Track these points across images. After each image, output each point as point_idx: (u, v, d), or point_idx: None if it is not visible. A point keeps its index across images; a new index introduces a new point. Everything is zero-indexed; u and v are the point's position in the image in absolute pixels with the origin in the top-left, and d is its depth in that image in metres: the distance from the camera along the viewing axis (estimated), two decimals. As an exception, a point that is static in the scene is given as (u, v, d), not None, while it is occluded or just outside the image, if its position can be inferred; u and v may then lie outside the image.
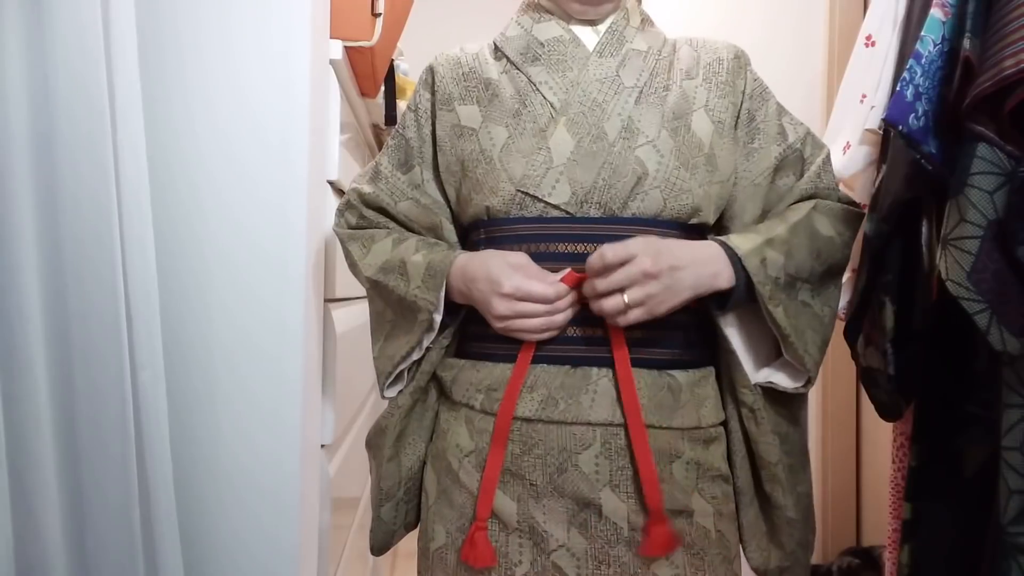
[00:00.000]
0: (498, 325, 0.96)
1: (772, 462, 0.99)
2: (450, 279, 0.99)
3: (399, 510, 1.09)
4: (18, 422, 0.80)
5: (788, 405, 1.03)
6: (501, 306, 0.93)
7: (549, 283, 0.93)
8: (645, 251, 0.89)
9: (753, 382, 0.99)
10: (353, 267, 1.10)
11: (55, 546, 0.83)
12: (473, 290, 0.96)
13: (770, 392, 1.01)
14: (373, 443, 1.08)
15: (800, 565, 1.04)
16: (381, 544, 1.10)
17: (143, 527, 0.92)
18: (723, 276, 0.93)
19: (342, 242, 1.11)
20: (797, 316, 0.97)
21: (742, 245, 0.95)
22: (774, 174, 1.05)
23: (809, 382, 0.99)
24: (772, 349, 1.01)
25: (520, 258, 0.96)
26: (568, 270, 0.95)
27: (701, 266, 0.93)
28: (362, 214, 1.11)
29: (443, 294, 0.99)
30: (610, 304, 0.90)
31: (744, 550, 1.04)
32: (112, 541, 0.89)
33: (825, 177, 1.06)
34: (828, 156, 1.08)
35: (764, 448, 0.99)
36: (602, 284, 0.90)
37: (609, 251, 0.89)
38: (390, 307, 1.06)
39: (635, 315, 0.90)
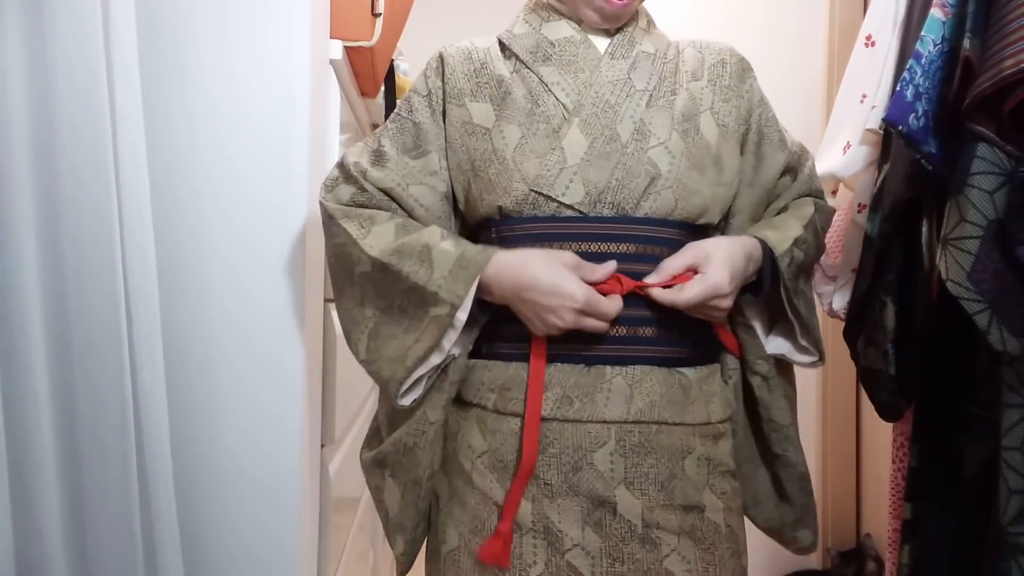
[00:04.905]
0: (544, 330, 0.94)
1: (786, 424, 1.07)
2: (489, 276, 0.94)
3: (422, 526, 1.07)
4: (18, 422, 0.80)
5: (788, 372, 1.12)
6: (570, 318, 0.92)
7: (612, 301, 0.93)
8: (722, 275, 0.95)
9: (768, 352, 1.06)
10: (342, 246, 1.00)
11: (55, 546, 0.83)
12: (528, 298, 0.92)
13: (775, 361, 1.08)
14: (393, 462, 1.03)
15: (811, 514, 1.12)
16: (412, 561, 1.08)
17: (143, 527, 0.92)
18: (756, 268, 1.01)
19: (332, 217, 1.01)
20: (807, 304, 1.06)
21: (779, 245, 1.01)
22: (778, 178, 1.11)
23: (821, 358, 1.07)
24: (768, 323, 1.09)
25: (572, 259, 0.94)
26: (615, 275, 0.95)
27: (751, 263, 1.00)
28: (362, 187, 1.02)
29: (474, 289, 0.93)
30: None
31: (754, 519, 1.12)
32: (112, 541, 0.90)
33: (815, 180, 1.15)
34: (813, 161, 1.16)
35: (778, 412, 1.07)
36: (689, 311, 0.96)
37: (698, 293, 0.94)
38: (383, 297, 0.99)
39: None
